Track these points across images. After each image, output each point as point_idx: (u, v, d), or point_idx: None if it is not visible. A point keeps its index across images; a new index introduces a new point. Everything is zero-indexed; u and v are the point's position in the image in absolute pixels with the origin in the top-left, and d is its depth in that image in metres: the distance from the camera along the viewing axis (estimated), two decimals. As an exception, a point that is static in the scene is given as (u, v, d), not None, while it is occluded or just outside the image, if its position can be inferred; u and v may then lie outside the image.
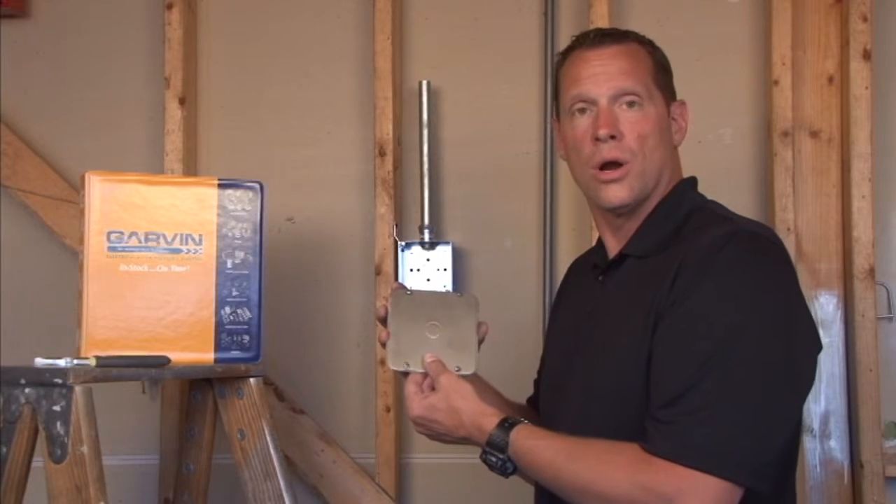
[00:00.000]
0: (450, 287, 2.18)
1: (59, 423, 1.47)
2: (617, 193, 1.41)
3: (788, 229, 2.13)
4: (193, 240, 1.70)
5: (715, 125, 2.22)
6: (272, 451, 1.72)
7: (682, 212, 1.43)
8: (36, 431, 1.52)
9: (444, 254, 2.21)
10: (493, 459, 1.35)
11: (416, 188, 2.23)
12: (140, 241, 1.67)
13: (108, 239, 1.66)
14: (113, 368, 1.55)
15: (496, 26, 2.30)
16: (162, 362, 1.62)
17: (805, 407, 2.10)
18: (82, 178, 1.67)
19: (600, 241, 1.54)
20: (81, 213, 1.67)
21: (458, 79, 2.29)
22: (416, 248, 2.21)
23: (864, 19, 2.12)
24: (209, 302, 1.71)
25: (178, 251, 1.69)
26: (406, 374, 1.47)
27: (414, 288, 1.57)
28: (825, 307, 2.17)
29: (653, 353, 1.30)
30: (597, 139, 1.40)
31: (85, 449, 1.46)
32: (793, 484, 1.41)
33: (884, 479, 2.07)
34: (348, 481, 2.22)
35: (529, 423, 1.37)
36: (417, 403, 1.43)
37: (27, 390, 1.51)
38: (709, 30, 2.25)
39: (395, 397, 2.19)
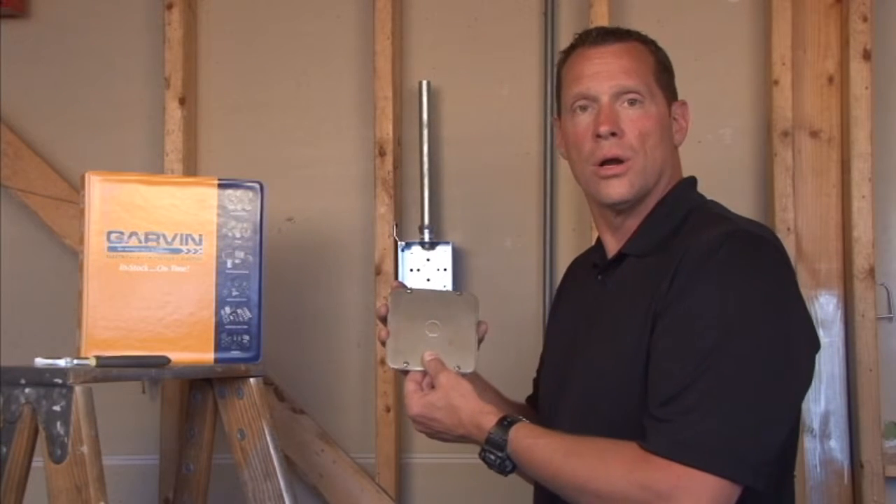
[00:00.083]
0: (450, 287, 2.18)
1: (59, 423, 1.47)
2: (617, 189, 1.41)
3: (788, 229, 2.13)
4: (193, 240, 1.70)
5: (715, 125, 2.22)
6: (272, 451, 1.72)
7: (681, 211, 1.43)
8: (36, 431, 1.52)
9: (444, 254, 2.21)
10: (492, 458, 1.35)
11: (416, 188, 2.23)
12: (140, 241, 1.67)
13: (108, 239, 1.65)
14: (113, 368, 1.55)
15: (496, 26, 2.30)
16: (162, 362, 1.62)
17: (805, 407, 2.12)
18: (82, 178, 1.67)
19: (599, 241, 1.54)
20: (81, 213, 1.67)
21: (458, 79, 2.29)
22: (416, 248, 2.21)
23: (864, 19, 2.13)
24: (209, 302, 1.71)
25: (178, 251, 1.69)
26: (406, 372, 1.47)
27: (414, 287, 1.57)
28: (825, 307, 2.17)
29: (651, 352, 1.31)
30: (598, 136, 1.41)
31: (85, 449, 1.46)
32: (791, 483, 1.41)
33: (884, 479, 2.07)
34: (348, 481, 2.22)
35: (528, 421, 1.37)
36: (417, 401, 1.43)
37: (27, 390, 1.51)
38: (709, 30, 2.25)
39: (395, 397, 2.19)
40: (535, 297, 2.24)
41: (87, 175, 1.66)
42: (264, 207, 1.75)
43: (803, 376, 1.33)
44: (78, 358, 1.57)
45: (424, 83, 2.22)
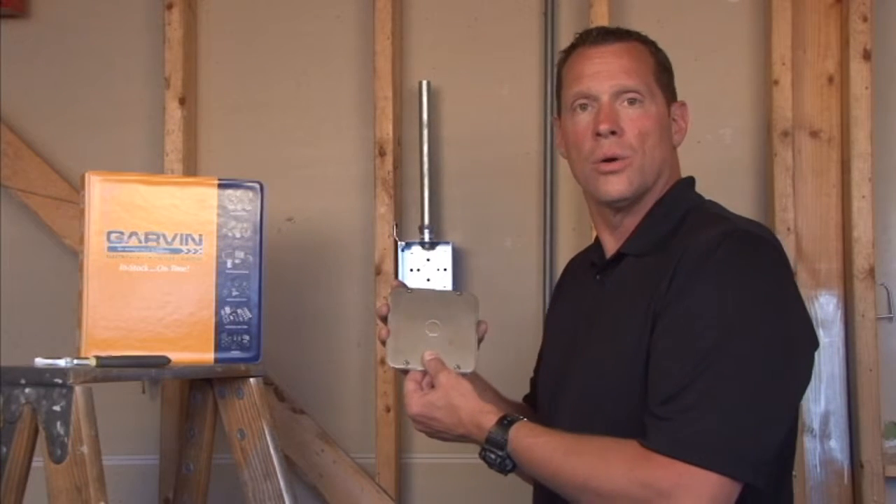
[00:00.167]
0: (450, 287, 2.18)
1: (59, 423, 1.47)
2: (616, 186, 1.42)
3: (788, 229, 2.13)
4: (193, 240, 1.70)
5: (715, 125, 2.22)
6: (272, 451, 1.72)
7: (679, 211, 1.44)
8: (36, 431, 1.52)
9: (444, 254, 2.21)
10: (493, 457, 1.35)
11: (416, 188, 2.23)
12: (140, 241, 1.67)
13: (108, 239, 1.65)
14: (113, 368, 1.55)
15: (496, 26, 2.30)
16: (162, 362, 1.62)
17: (805, 407, 2.12)
18: (82, 178, 1.67)
19: (597, 240, 1.55)
20: (81, 213, 1.67)
21: (458, 79, 2.29)
22: (416, 248, 2.21)
23: (864, 19, 2.13)
24: (209, 302, 1.70)
25: (178, 251, 1.69)
26: (406, 371, 1.47)
27: (414, 287, 1.57)
28: (825, 307, 2.17)
29: (651, 352, 1.31)
30: (598, 134, 1.41)
31: (85, 449, 1.46)
32: (790, 482, 1.42)
33: (884, 479, 2.07)
34: (348, 481, 2.22)
35: (528, 420, 1.37)
36: (416, 401, 1.43)
37: (27, 390, 1.51)
38: (709, 30, 2.25)
39: (396, 397, 2.19)
40: (535, 297, 2.24)
41: (87, 175, 1.66)
42: (264, 207, 1.75)
43: (802, 375, 1.33)
44: (78, 358, 1.57)
45: (424, 83, 2.22)
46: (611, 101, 1.42)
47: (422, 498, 2.28)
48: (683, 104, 1.50)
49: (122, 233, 1.66)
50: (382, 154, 2.23)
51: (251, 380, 1.74)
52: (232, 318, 1.72)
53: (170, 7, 2.27)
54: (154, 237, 1.68)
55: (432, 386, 1.43)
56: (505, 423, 1.35)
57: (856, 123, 2.12)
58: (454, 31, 2.32)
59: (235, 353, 1.72)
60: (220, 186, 1.73)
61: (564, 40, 2.08)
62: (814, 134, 2.20)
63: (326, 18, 2.35)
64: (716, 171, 2.17)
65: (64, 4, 2.39)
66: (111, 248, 1.66)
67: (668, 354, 1.29)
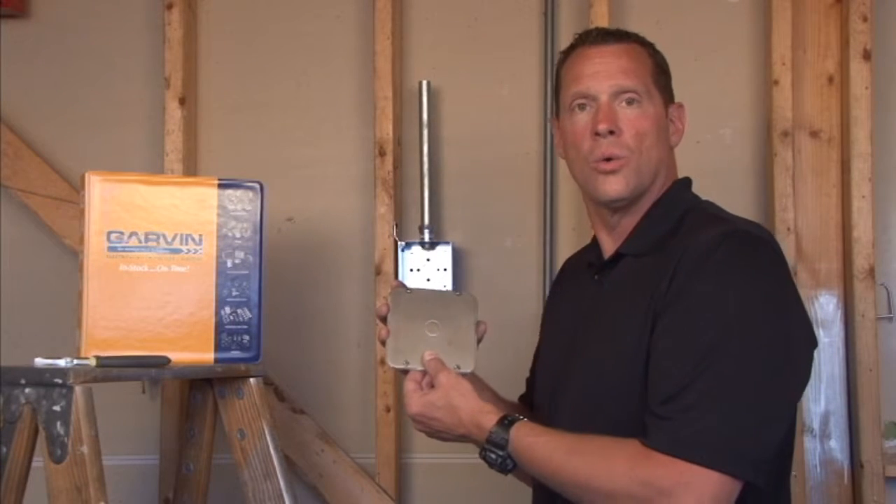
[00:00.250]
0: (450, 287, 2.18)
1: (59, 423, 1.47)
2: (614, 186, 1.42)
3: (788, 229, 2.13)
4: (193, 240, 1.70)
5: (715, 125, 2.22)
6: (272, 451, 1.72)
7: (677, 211, 1.44)
8: (36, 431, 1.52)
9: (444, 254, 2.21)
10: (493, 457, 1.36)
11: (416, 188, 2.23)
12: (140, 241, 1.67)
13: (108, 239, 1.65)
14: (113, 368, 1.55)
15: (496, 26, 2.30)
16: (162, 362, 1.62)
17: (805, 407, 2.12)
18: (82, 178, 1.67)
19: (595, 240, 1.55)
20: (81, 213, 1.67)
21: (458, 79, 2.29)
22: (416, 248, 2.21)
23: (864, 19, 2.13)
24: (209, 302, 1.70)
25: (178, 251, 1.69)
26: (405, 371, 1.47)
27: (414, 287, 1.57)
28: (825, 307, 2.17)
29: (651, 351, 1.31)
30: (596, 134, 1.42)
31: (85, 449, 1.46)
32: (788, 481, 1.42)
33: (884, 479, 2.07)
34: (348, 481, 2.22)
35: (528, 420, 1.37)
36: (416, 401, 1.43)
37: (27, 390, 1.51)
38: (708, 30, 2.25)
39: (395, 397, 2.19)
40: (534, 297, 2.24)
41: (87, 175, 1.66)
42: (264, 207, 1.75)
43: (802, 374, 1.34)
44: (78, 358, 1.57)
45: (424, 83, 2.22)
46: (609, 101, 1.43)
47: (422, 498, 2.28)
48: (681, 105, 1.51)
49: (122, 233, 1.66)
50: (382, 154, 2.23)
51: (251, 380, 1.74)
52: (232, 318, 1.72)
53: (170, 7, 2.27)
54: (154, 237, 1.68)
55: (432, 386, 1.44)
56: (505, 422, 1.36)
57: (856, 123, 2.12)
58: (454, 31, 2.32)
59: (235, 353, 1.72)
60: (220, 186, 1.73)
61: (564, 40, 2.08)
62: (814, 134, 2.20)
63: (326, 18, 2.35)
64: (716, 171, 2.17)
65: (64, 4, 2.39)
66: (111, 248, 1.66)
67: (668, 354, 1.29)
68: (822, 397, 2.15)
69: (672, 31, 2.21)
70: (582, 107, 1.45)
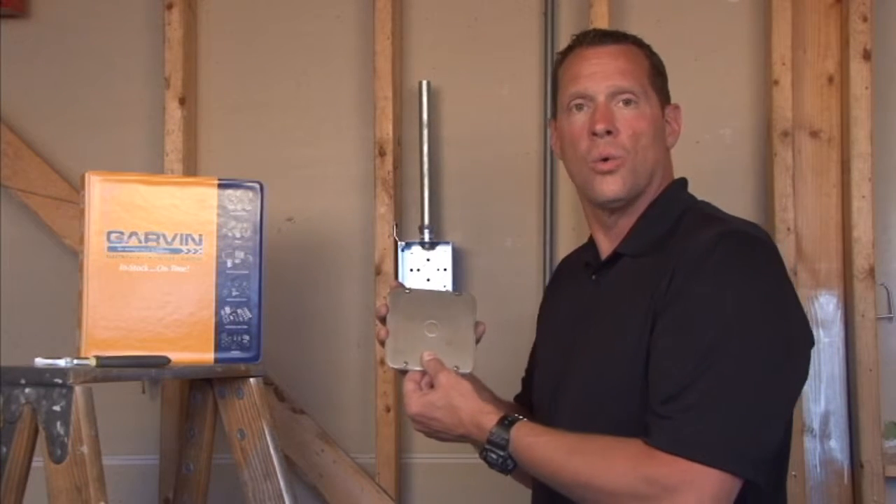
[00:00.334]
0: (450, 287, 2.18)
1: (59, 423, 1.47)
2: (611, 186, 1.43)
3: (788, 229, 2.13)
4: (193, 240, 1.70)
5: (715, 125, 2.22)
6: (272, 451, 1.72)
7: (674, 212, 1.45)
8: (36, 431, 1.52)
9: (444, 254, 2.21)
10: (494, 457, 1.36)
11: (416, 188, 2.23)
12: (140, 241, 1.67)
13: (108, 239, 1.65)
14: (113, 368, 1.55)
15: (496, 26, 2.30)
16: (162, 362, 1.62)
17: (805, 407, 2.13)
18: (82, 178, 1.67)
19: (591, 240, 1.56)
20: (81, 213, 1.67)
21: (458, 79, 2.29)
22: (416, 248, 2.21)
23: (864, 19, 2.13)
24: (209, 302, 1.71)
25: (178, 251, 1.69)
26: (404, 372, 1.47)
27: (412, 287, 1.58)
28: (825, 307, 2.17)
29: (651, 351, 1.32)
30: (594, 134, 1.43)
31: (85, 449, 1.46)
32: (786, 479, 1.44)
33: (884, 479, 2.07)
34: (348, 481, 2.22)
35: (528, 420, 1.38)
36: (416, 401, 1.43)
37: (27, 390, 1.51)
38: (708, 29, 2.25)
39: (395, 397, 2.19)
40: (534, 297, 2.24)
41: (87, 175, 1.66)
42: (264, 207, 1.75)
43: (801, 373, 1.35)
44: (78, 358, 1.57)
45: (424, 83, 2.22)
46: (606, 101, 1.44)
47: (422, 498, 2.28)
48: (677, 107, 1.52)
49: (122, 233, 1.66)
50: (382, 154, 2.23)
51: (251, 380, 1.74)
52: (232, 318, 1.72)
53: (170, 7, 2.27)
54: (154, 237, 1.68)
55: (431, 386, 1.44)
56: (506, 422, 1.36)
57: (856, 123, 2.12)
58: (454, 31, 2.32)
59: (235, 353, 1.72)
60: (220, 186, 1.73)
61: (564, 40, 2.07)
62: (814, 134, 2.20)
63: (326, 18, 2.35)
64: (716, 171, 2.17)
65: (64, 4, 2.39)
66: (111, 248, 1.66)
67: (668, 354, 1.30)
68: (822, 397, 2.15)
69: (672, 31, 2.22)
70: (579, 107, 1.46)
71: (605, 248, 1.50)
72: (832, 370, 2.15)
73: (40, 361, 1.53)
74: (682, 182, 1.51)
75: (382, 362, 2.16)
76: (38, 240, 2.34)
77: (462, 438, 1.43)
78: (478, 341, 1.51)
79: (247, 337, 1.73)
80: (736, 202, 2.15)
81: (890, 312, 2.17)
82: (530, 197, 2.27)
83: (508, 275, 2.26)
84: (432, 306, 1.50)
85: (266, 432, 1.72)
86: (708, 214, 1.44)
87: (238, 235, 1.73)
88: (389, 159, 2.22)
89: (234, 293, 1.72)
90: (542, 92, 2.26)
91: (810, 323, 2.11)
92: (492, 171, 2.28)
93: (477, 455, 1.42)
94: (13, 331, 2.31)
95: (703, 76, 2.21)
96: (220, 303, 1.71)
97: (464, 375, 1.45)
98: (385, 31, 2.23)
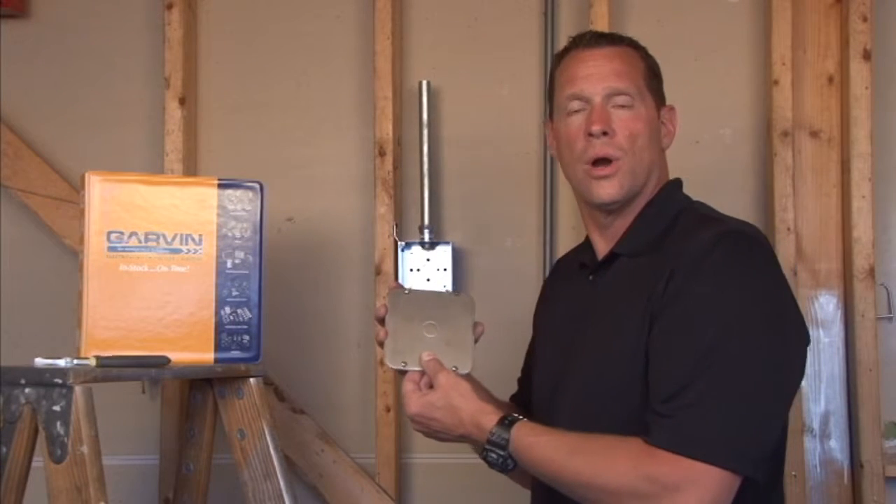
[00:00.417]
0: (450, 287, 2.18)
1: (59, 423, 1.47)
2: (607, 190, 1.44)
3: (788, 229, 2.13)
4: (193, 240, 1.70)
5: (715, 125, 2.22)
6: (272, 451, 1.72)
7: (670, 212, 1.46)
8: (36, 431, 1.52)
9: (444, 254, 2.21)
10: (494, 457, 1.36)
11: (416, 188, 2.23)
12: (140, 241, 1.67)
13: (108, 239, 1.65)
14: (113, 368, 1.55)
15: (496, 26, 2.30)
16: (162, 362, 1.62)
17: (805, 407, 2.13)
18: (82, 178, 1.67)
19: (587, 240, 1.57)
20: (81, 213, 1.67)
21: (458, 79, 2.29)
22: (416, 248, 2.21)
23: (864, 19, 2.13)
24: (209, 302, 1.70)
25: (178, 251, 1.69)
26: (403, 372, 1.47)
27: (411, 288, 1.58)
28: (825, 307, 2.17)
29: (650, 351, 1.33)
30: (590, 135, 1.44)
31: (85, 449, 1.46)
32: (782, 475, 1.45)
33: (884, 479, 2.08)
34: (348, 481, 2.22)
35: (528, 420, 1.38)
36: (415, 401, 1.44)
37: (27, 390, 1.51)
38: (708, 29, 2.25)
39: (395, 397, 2.19)
40: (534, 297, 2.21)
41: (87, 175, 1.66)
42: (264, 207, 1.75)
43: (798, 372, 1.37)
44: (78, 358, 1.57)
45: (424, 83, 2.22)
46: (603, 102, 1.45)
47: (422, 498, 2.28)
48: (672, 108, 1.54)
49: (122, 233, 1.66)
50: (382, 154, 2.23)
51: (251, 380, 1.74)
52: (232, 318, 1.72)
53: (170, 7, 2.27)
54: (154, 237, 1.68)
55: (430, 386, 1.44)
56: (506, 422, 1.36)
57: (856, 123, 2.12)
58: (454, 31, 2.32)
59: (235, 353, 1.72)
60: (220, 186, 1.73)
61: (564, 40, 2.07)
62: (814, 134, 2.20)
63: (326, 18, 2.35)
64: (716, 171, 2.17)
65: (64, 4, 2.39)
66: (111, 248, 1.66)
67: (668, 354, 1.30)
68: (822, 397, 2.15)
69: (672, 31, 2.22)
70: (576, 108, 1.47)
71: (602, 248, 1.51)
72: (832, 370, 2.15)
73: (40, 361, 1.53)
74: (678, 182, 1.53)
75: (382, 362, 2.16)
76: (38, 240, 2.34)
77: (461, 439, 1.43)
78: (476, 341, 1.51)
79: (247, 337, 1.73)
80: (736, 202, 2.16)
81: (890, 312, 2.17)
82: (530, 197, 2.27)
83: (508, 275, 2.26)
84: (431, 307, 1.50)
85: (266, 432, 1.72)
86: (704, 215, 1.45)
87: (238, 235, 1.73)
88: (389, 159, 2.22)
89: (234, 293, 1.72)
90: (542, 92, 2.25)
91: (810, 323, 2.13)
92: (492, 171, 2.28)
93: (477, 455, 1.42)
94: (13, 331, 2.31)
95: (703, 76, 2.21)
96: (220, 303, 1.71)
97: (462, 376, 1.45)
98: (385, 31, 2.23)
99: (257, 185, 1.75)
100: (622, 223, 1.48)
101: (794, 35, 2.16)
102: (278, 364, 2.22)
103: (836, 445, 2.14)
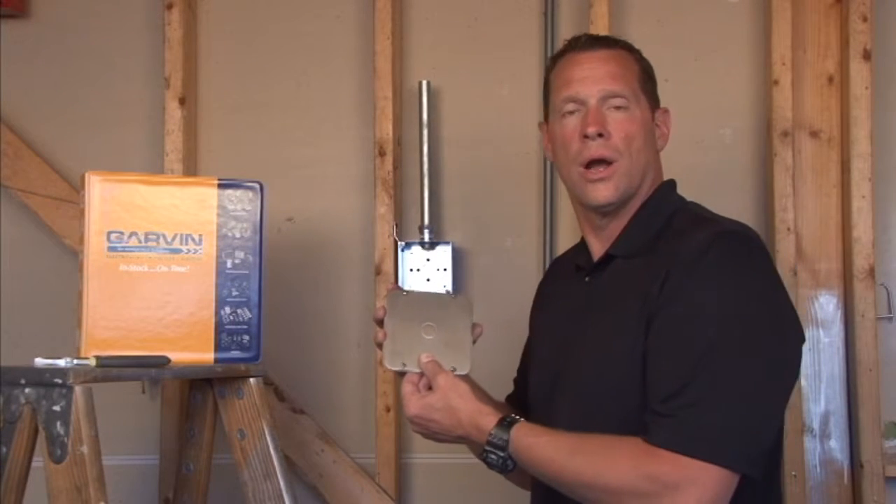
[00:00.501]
0: (450, 287, 2.18)
1: (59, 423, 1.47)
2: (603, 192, 1.45)
3: (788, 229, 2.13)
4: (193, 240, 1.70)
5: (715, 125, 2.22)
6: (272, 451, 1.72)
7: (665, 213, 1.47)
8: (36, 431, 1.52)
9: (444, 254, 2.21)
10: (494, 458, 1.37)
11: (416, 188, 2.23)
12: (140, 241, 1.67)
13: (108, 239, 1.65)
14: (113, 368, 1.55)
15: (496, 26, 2.30)
16: (162, 362, 1.62)
17: (805, 407, 2.13)
18: (82, 178, 1.67)
19: (582, 241, 1.58)
20: (81, 213, 1.67)
21: (458, 79, 2.29)
22: (416, 248, 2.21)
23: (864, 19, 2.13)
24: (209, 302, 1.70)
25: (178, 251, 1.69)
26: (402, 373, 1.47)
27: (409, 289, 1.58)
28: (825, 307, 2.17)
29: (648, 352, 1.34)
30: (585, 137, 1.45)
31: (85, 449, 1.46)
32: (779, 471, 1.46)
33: (884, 479, 2.08)
34: (348, 481, 2.22)
35: (527, 421, 1.38)
36: (414, 403, 1.44)
37: (27, 390, 1.51)
38: (709, 29, 2.25)
39: (395, 397, 2.19)
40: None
41: (87, 175, 1.66)
42: (264, 207, 1.75)
43: (794, 371, 1.38)
44: (78, 358, 1.57)
45: (424, 83, 2.22)
46: (598, 104, 1.46)
47: (422, 498, 2.28)
48: (666, 111, 1.55)
49: (122, 233, 1.66)
50: (382, 154, 2.23)
51: (251, 380, 1.74)
52: (232, 318, 1.72)
53: (170, 7, 2.27)
54: (154, 237, 1.68)
55: (429, 388, 1.45)
56: (505, 423, 1.37)
57: (856, 123, 2.12)
58: (454, 31, 2.32)
59: (235, 353, 1.72)
60: (220, 186, 1.73)
61: (564, 40, 2.08)
62: (814, 134, 2.20)
63: (326, 18, 2.35)
64: (716, 171, 2.17)
65: (64, 4, 2.39)
66: (111, 248, 1.66)
67: (666, 353, 1.31)
68: (822, 397, 2.15)
69: (672, 31, 2.22)
70: (571, 110, 1.48)
71: (597, 249, 1.52)
72: (832, 370, 2.15)
73: (40, 361, 1.53)
74: (672, 183, 1.54)
75: (382, 363, 2.16)
76: (38, 240, 2.34)
77: (460, 440, 1.44)
78: (475, 342, 1.51)
79: (247, 337, 1.73)
80: (736, 202, 2.16)
81: (890, 312, 2.17)
82: (530, 197, 2.27)
83: (508, 275, 2.26)
84: (429, 308, 1.50)
85: (266, 432, 1.72)
86: (698, 215, 1.46)
87: (238, 235, 1.73)
88: (389, 159, 2.22)
89: (234, 293, 1.72)
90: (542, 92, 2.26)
91: (810, 323, 2.14)
92: (492, 171, 2.28)
93: (476, 455, 1.42)
94: (13, 331, 2.31)
95: (703, 76, 2.21)
96: (220, 303, 1.71)
97: (461, 377, 1.45)
98: (385, 31, 2.23)
99: (257, 185, 1.75)
100: (617, 225, 1.49)
101: (794, 35, 2.16)
102: (278, 364, 2.22)
103: (836, 445, 2.15)
